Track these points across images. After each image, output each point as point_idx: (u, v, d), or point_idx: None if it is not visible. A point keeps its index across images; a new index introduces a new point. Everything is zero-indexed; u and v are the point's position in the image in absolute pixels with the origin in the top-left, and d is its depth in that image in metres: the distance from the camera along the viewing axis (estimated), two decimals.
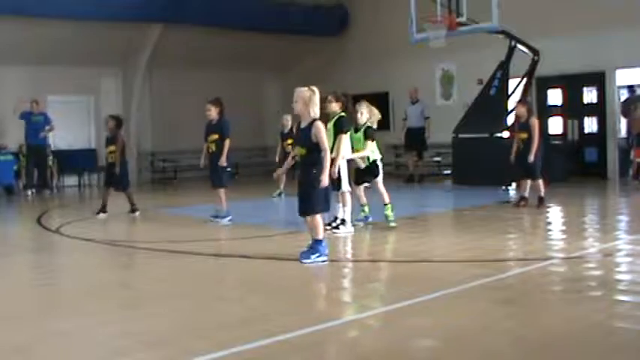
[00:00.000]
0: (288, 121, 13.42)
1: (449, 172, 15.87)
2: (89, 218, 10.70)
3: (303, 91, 6.42)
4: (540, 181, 10.25)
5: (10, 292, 5.90)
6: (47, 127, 15.90)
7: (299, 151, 6.53)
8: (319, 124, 6.35)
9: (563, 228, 8.97)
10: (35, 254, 8.13)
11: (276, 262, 6.79)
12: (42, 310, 5.20)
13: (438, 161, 17.24)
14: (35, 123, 15.85)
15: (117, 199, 11.02)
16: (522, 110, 10.59)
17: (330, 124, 8.39)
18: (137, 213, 10.87)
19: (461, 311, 4.70)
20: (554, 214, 10.39)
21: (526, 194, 10.41)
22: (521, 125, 10.51)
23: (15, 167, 16.29)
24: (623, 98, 15.02)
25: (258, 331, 4.30)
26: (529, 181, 10.42)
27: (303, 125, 6.48)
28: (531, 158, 10.13)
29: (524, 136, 10.35)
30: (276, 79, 21.96)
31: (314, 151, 6.34)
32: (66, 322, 4.73)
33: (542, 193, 10.18)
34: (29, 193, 15.74)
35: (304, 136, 6.41)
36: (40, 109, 15.97)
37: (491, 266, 6.12)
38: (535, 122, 10.45)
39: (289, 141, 13.23)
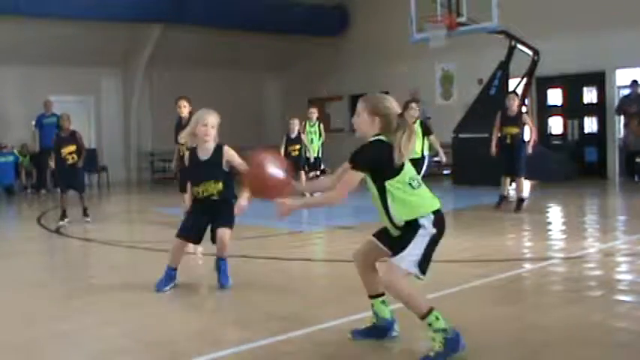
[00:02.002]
0: (295, 125, 13.19)
1: (449, 172, 15.87)
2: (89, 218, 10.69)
3: (216, 116, 5.53)
4: (524, 181, 10.06)
5: (10, 292, 5.90)
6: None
7: (213, 187, 5.49)
8: (229, 148, 5.59)
9: (563, 228, 8.96)
10: (35, 254, 8.13)
11: (277, 262, 6.79)
12: (42, 310, 5.19)
13: (438, 161, 17.22)
14: (48, 125, 15.87)
15: (116, 200, 11.00)
16: (514, 103, 10.22)
17: (416, 127, 9.27)
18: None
19: (461, 311, 4.69)
20: (554, 214, 10.39)
21: (506, 193, 10.17)
22: (512, 119, 10.11)
23: (19, 165, 16.33)
24: (623, 95, 14.91)
25: (258, 331, 4.30)
26: (508, 180, 10.18)
27: (205, 157, 5.52)
28: (529, 150, 9.88)
29: (515, 130, 10.00)
30: (276, 79, 21.97)
31: (229, 180, 5.58)
32: (66, 322, 4.73)
33: (525, 194, 9.86)
34: (43, 192, 15.88)
35: (215, 167, 5.50)
36: (51, 109, 16.01)
37: (491, 266, 6.12)
38: (528, 117, 10.35)
39: (297, 146, 13.10)
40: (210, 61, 19.26)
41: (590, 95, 15.69)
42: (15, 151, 16.45)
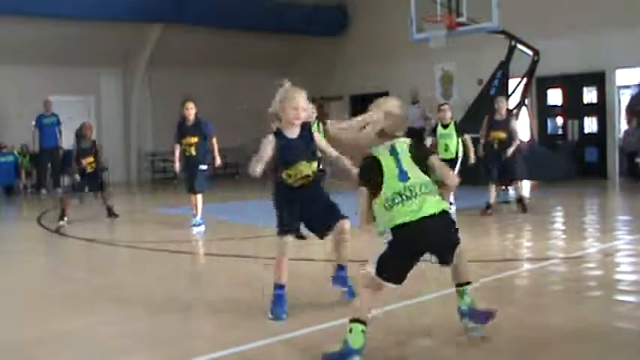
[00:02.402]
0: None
1: None
2: (89, 218, 10.69)
3: (305, 95, 5.09)
4: (523, 182, 9.87)
5: (9, 292, 5.90)
6: (60, 128, 15.95)
7: (308, 167, 4.85)
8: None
9: (563, 228, 8.96)
10: (35, 254, 8.13)
11: None
12: (42, 310, 5.20)
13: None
14: (47, 125, 15.87)
15: (116, 200, 11.01)
16: (504, 106, 10.02)
17: (451, 129, 9.82)
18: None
19: None
20: (554, 214, 10.38)
21: (492, 200, 9.87)
22: (500, 123, 9.89)
23: (19, 165, 16.33)
24: (630, 95, 14.78)
25: (258, 331, 4.30)
26: (494, 187, 9.89)
27: (293, 135, 4.90)
28: (509, 154, 9.66)
29: (503, 135, 9.76)
30: (276, 79, 21.90)
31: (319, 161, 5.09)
32: (66, 322, 4.73)
33: (525, 194, 9.77)
34: (43, 192, 15.88)
35: (308, 144, 4.91)
36: (51, 109, 16.01)
37: (491, 266, 6.12)
38: (516, 122, 10.26)
39: None
40: (210, 61, 19.26)
41: (590, 95, 15.68)
42: (15, 151, 16.46)
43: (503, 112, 10.09)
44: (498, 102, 10.18)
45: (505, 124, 9.92)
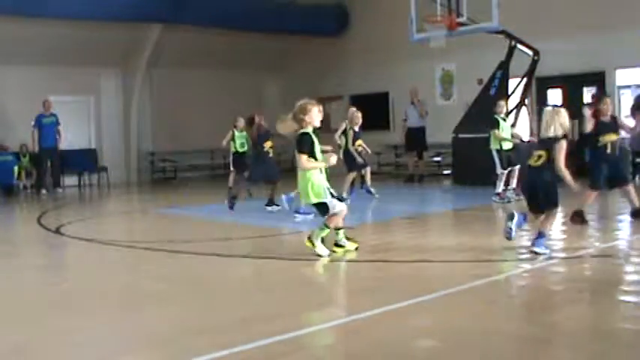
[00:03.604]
0: (360, 118, 12.45)
1: (449, 172, 15.87)
2: (89, 218, 10.70)
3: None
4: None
5: (10, 292, 5.90)
6: (59, 128, 15.97)
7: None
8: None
9: (563, 228, 8.96)
10: (35, 254, 8.13)
11: (277, 261, 6.79)
12: (42, 309, 5.19)
13: (437, 161, 17.25)
14: (47, 125, 15.87)
15: (116, 200, 11.03)
16: (607, 107, 8.61)
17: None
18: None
19: (461, 311, 4.69)
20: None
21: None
22: (610, 125, 8.63)
23: (16, 167, 16.31)
24: (635, 94, 14.69)
25: (258, 331, 4.30)
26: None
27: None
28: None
29: (615, 137, 8.59)
30: (276, 79, 21.97)
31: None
32: (66, 322, 4.73)
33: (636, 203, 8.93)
34: (43, 192, 15.87)
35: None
36: (50, 109, 16.01)
37: (491, 266, 6.12)
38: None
39: (360, 141, 12.41)
40: (210, 61, 19.26)
41: (590, 95, 15.66)
42: (14, 151, 16.46)
43: (606, 112, 8.79)
44: (600, 104, 8.92)
45: (615, 126, 8.89)
